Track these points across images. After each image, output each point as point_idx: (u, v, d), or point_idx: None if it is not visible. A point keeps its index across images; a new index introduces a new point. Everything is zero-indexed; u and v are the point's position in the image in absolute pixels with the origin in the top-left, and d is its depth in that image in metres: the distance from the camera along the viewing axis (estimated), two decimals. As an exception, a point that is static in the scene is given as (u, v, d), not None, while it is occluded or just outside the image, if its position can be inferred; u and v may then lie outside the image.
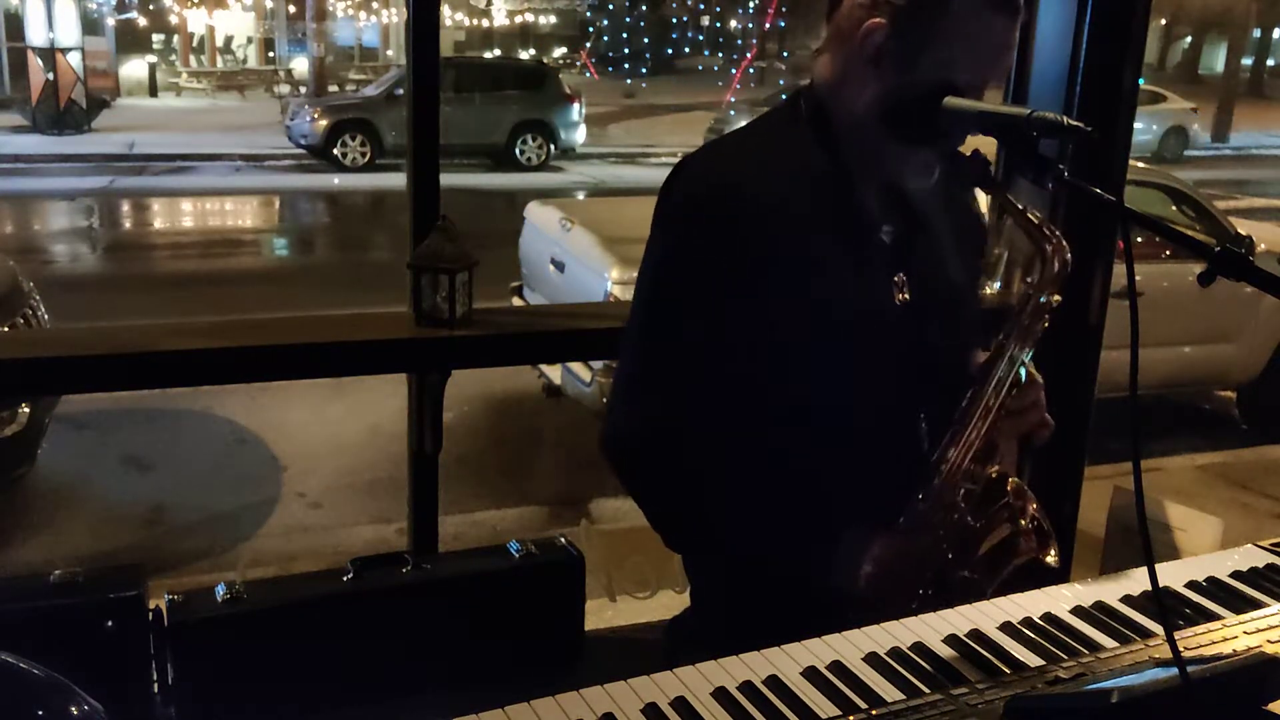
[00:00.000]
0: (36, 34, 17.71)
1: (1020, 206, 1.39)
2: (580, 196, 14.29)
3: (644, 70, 30.20)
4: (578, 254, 5.20)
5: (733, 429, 1.43)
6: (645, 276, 1.47)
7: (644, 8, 32.45)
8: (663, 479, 1.47)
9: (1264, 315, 5.65)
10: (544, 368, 5.27)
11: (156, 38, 29.47)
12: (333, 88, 23.23)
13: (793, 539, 1.44)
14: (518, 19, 34.00)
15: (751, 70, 28.26)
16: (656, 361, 1.45)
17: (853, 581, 1.40)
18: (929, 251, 1.49)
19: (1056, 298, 1.41)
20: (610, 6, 33.10)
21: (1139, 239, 5.19)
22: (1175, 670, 1.02)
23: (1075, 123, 1.19)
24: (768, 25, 31.20)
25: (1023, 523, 1.38)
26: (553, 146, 16.74)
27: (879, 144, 1.42)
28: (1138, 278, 1.21)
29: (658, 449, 1.45)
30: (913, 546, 1.41)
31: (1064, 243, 1.38)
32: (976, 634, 1.33)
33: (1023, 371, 1.45)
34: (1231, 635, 1.34)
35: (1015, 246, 2.99)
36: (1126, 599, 1.43)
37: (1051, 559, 1.39)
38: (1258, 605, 1.42)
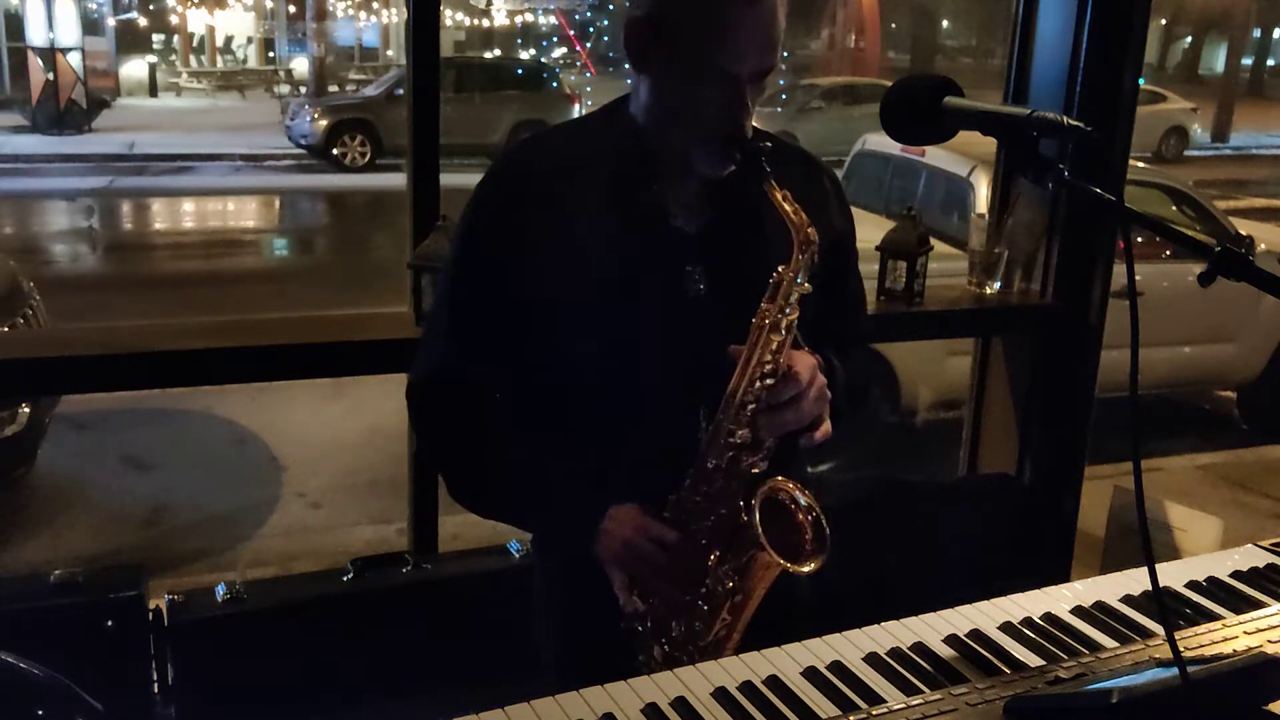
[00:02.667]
0: (36, 34, 17.71)
1: (780, 193, 1.37)
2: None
3: (643, 70, 30.11)
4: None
5: (511, 393, 1.51)
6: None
7: (643, 8, 32.40)
8: (438, 428, 1.57)
9: (1264, 315, 5.65)
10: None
11: (156, 38, 29.46)
12: (333, 88, 23.22)
13: (557, 506, 1.49)
14: (518, 19, 34.00)
15: (751, 70, 28.12)
16: (442, 320, 1.55)
17: (604, 555, 1.42)
18: (741, 246, 1.49)
19: (806, 286, 1.37)
20: (610, 6, 33.10)
21: (1139, 239, 5.19)
22: (1175, 670, 1.02)
23: (1075, 123, 1.19)
24: (768, 25, 31.04)
25: (749, 522, 1.33)
26: (553, 146, 16.72)
27: (667, 138, 1.45)
28: (1138, 278, 1.20)
29: (436, 398, 1.54)
30: (660, 531, 1.40)
31: (811, 231, 1.36)
32: (976, 634, 1.33)
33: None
34: (1231, 635, 1.34)
35: (1015, 246, 2.99)
36: (1126, 599, 1.43)
37: (803, 568, 1.33)
38: (1258, 605, 1.43)
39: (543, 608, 1.64)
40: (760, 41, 1.37)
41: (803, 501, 1.39)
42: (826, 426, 1.42)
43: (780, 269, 1.37)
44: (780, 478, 1.39)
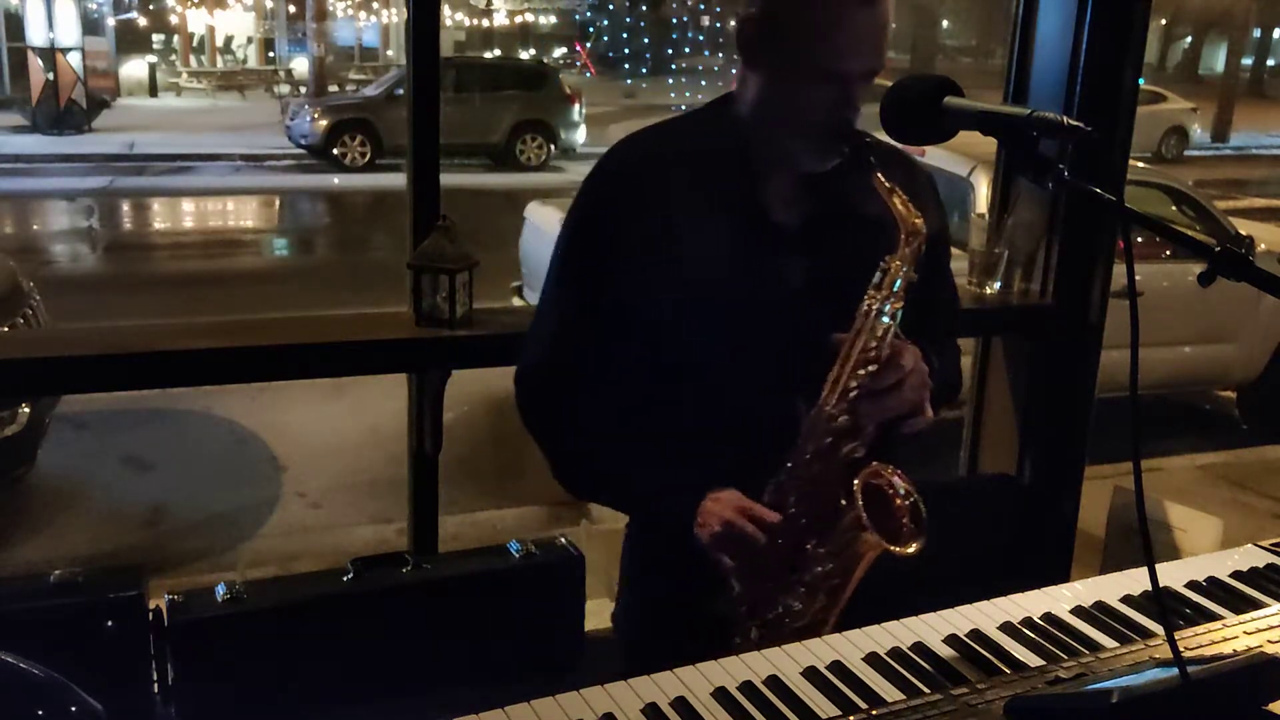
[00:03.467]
0: (36, 34, 17.71)
1: (889, 186, 1.40)
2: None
3: (644, 70, 30.19)
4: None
5: (614, 383, 1.54)
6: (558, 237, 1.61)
7: (644, 8, 32.44)
8: (544, 414, 1.61)
9: (1264, 315, 5.65)
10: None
11: (156, 38, 29.45)
12: (333, 88, 23.19)
13: (659, 490, 1.52)
14: (518, 19, 33.99)
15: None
16: (549, 313, 1.59)
17: (704, 536, 1.44)
18: (841, 240, 1.52)
19: (913, 275, 1.40)
20: (610, 6, 33.09)
21: (1139, 239, 5.19)
22: (1175, 670, 1.02)
23: (1075, 123, 1.19)
24: (768, 25, 30.99)
25: (859, 513, 1.34)
26: (553, 146, 16.72)
27: (772, 133, 1.48)
28: (1138, 278, 1.20)
29: (547, 393, 1.59)
30: (761, 512, 1.42)
31: (920, 222, 1.40)
32: (976, 634, 1.33)
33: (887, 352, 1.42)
34: (1231, 635, 1.34)
35: (1015, 246, 2.99)
36: (1126, 599, 1.43)
37: (907, 549, 1.36)
38: (1258, 605, 1.43)
39: (633, 589, 1.70)
40: (871, 43, 1.40)
41: (901, 486, 1.40)
42: (928, 413, 1.45)
43: (888, 258, 1.40)
44: (880, 463, 1.41)
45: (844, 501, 1.37)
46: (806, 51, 1.40)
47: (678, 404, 1.52)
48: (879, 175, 1.40)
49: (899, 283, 1.39)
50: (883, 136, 1.46)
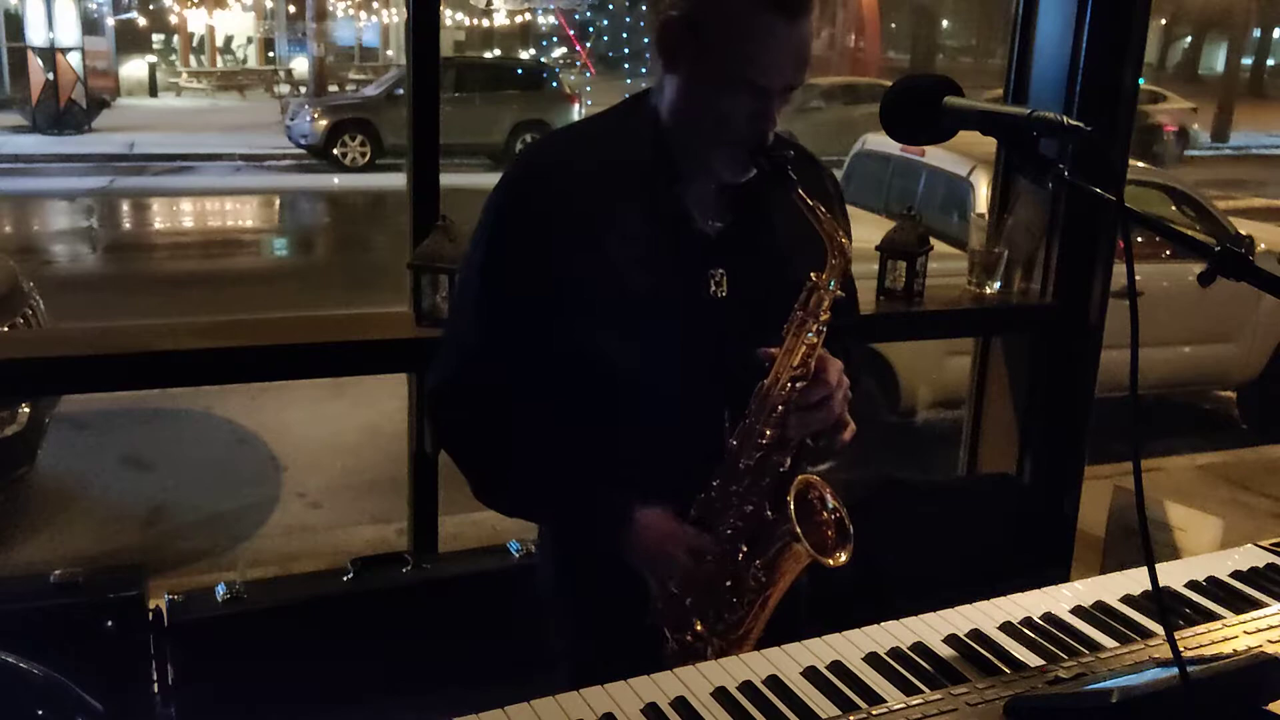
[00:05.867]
0: (36, 34, 17.71)
1: (810, 203, 1.39)
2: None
3: (644, 70, 30.18)
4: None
5: (535, 396, 1.49)
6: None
7: (644, 8, 32.45)
8: (460, 430, 1.56)
9: (1264, 315, 5.65)
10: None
11: (156, 38, 29.44)
12: (333, 88, 23.20)
13: (581, 506, 1.50)
14: (518, 19, 33.99)
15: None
16: (462, 325, 1.54)
17: (634, 559, 1.44)
18: (759, 250, 1.50)
19: (839, 291, 1.40)
20: (610, 6, 33.09)
21: (1139, 239, 5.19)
22: (1175, 670, 1.02)
23: (1075, 123, 1.19)
24: (768, 25, 30.99)
25: (792, 525, 1.34)
26: (553, 146, 16.71)
27: (690, 141, 1.45)
28: (1138, 278, 1.20)
29: (458, 401, 1.54)
30: (687, 534, 1.42)
31: (845, 240, 1.40)
32: (976, 634, 1.33)
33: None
34: (1231, 635, 1.34)
35: (1015, 246, 2.99)
36: (1126, 599, 1.43)
37: (834, 561, 1.36)
38: (1258, 605, 1.43)
39: (559, 605, 1.65)
40: (794, 59, 1.39)
41: (828, 499, 1.41)
42: (852, 426, 1.45)
43: (814, 276, 1.39)
44: (807, 474, 1.41)
45: (771, 514, 1.38)
46: (729, 61, 1.37)
47: (601, 416, 1.48)
48: (801, 192, 1.39)
49: (825, 301, 1.39)
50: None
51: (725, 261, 1.48)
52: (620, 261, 1.43)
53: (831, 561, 1.36)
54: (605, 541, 1.46)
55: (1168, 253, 5.28)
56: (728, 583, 1.41)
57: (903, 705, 1.17)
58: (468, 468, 1.56)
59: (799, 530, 1.33)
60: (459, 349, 1.54)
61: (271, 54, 31.16)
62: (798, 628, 1.36)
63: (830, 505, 1.41)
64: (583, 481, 1.50)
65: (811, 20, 1.38)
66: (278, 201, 13.71)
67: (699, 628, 1.43)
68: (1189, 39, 36.75)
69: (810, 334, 1.39)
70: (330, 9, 26.20)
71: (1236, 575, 1.51)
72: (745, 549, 1.41)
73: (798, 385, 1.39)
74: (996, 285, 2.95)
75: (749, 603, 1.40)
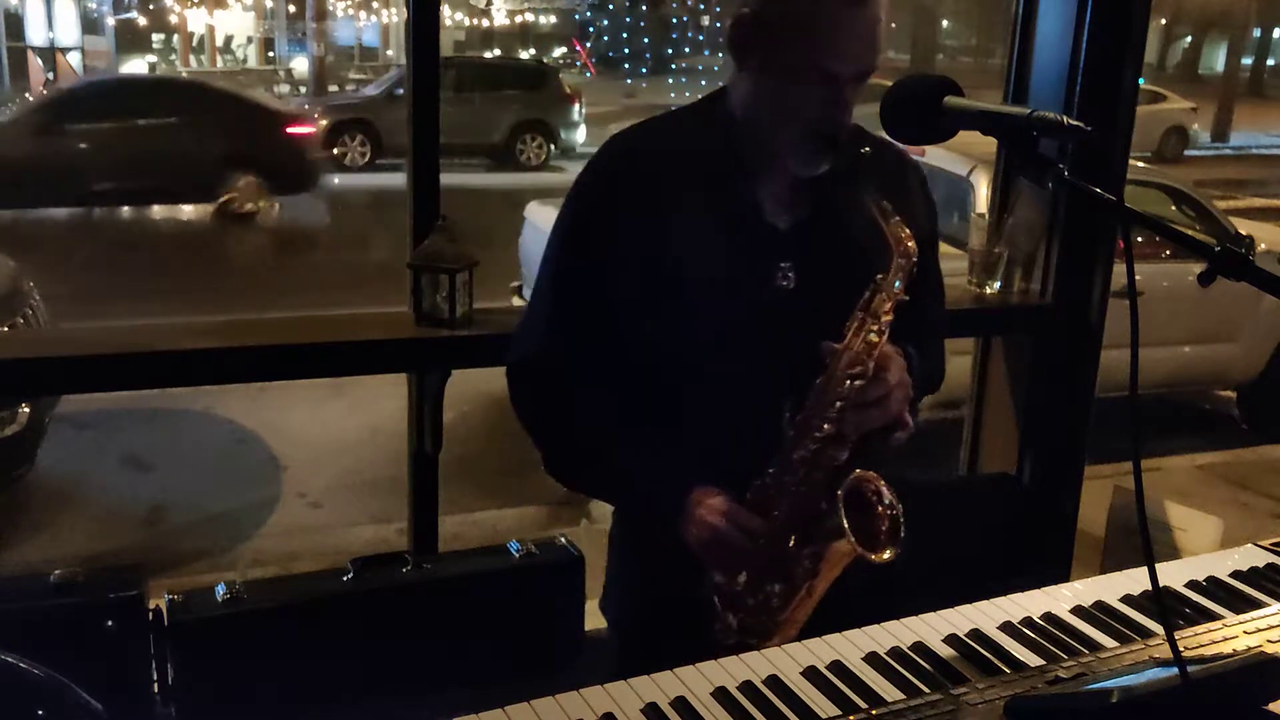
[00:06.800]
0: (36, 34, 17.75)
1: (881, 207, 1.41)
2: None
3: (644, 70, 30.18)
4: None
5: (606, 378, 1.54)
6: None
7: (644, 8, 32.44)
8: (535, 407, 1.62)
9: (1264, 315, 5.65)
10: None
11: (156, 37, 29.41)
12: (333, 87, 23.18)
13: (645, 487, 1.53)
14: (518, 19, 33.99)
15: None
16: (541, 308, 1.58)
17: (689, 536, 1.46)
18: (829, 245, 1.52)
19: (904, 295, 1.42)
20: (610, 6, 33.09)
21: (1139, 239, 5.19)
22: (1175, 670, 1.02)
23: (1075, 123, 1.19)
24: (768, 25, 30.95)
25: (840, 518, 1.36)
26: (553, 146, 16.70)
27: (763, 134, 1.48)
28: (1138, 278, 1.20)
29: (539, 387, 1.59)
30: (748, 520, 1.43)
31: (910, 243, 1.41)
32: (976, 634, 1.33)
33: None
34: (1231, 635, 1.34)
35: (1015, 246, 2.99)
36: (1126, 599, 1.43)
37: (881, 556, 1.37)
38: (1258, 605, 1.43)
39: (617, 579, 1.71)
40: (863, 43, 1.40)
41: (886, 496, 1.42)
42: (909, 423, 1.47)
43: (879, 277, 1.41)
44: (864, 470, 1.42)
45: (825, 505, 1.39)
46: (798, 51, 1.40)
47: (667, 400, 1.53)
48: (872, 197, 1.41)
49: (889, 302, 1.41)
50: (882, 136, 1.46)
51: (794, 255, 1.50)
52: (691, 249, 1.47)
53: (876, 557, 1.36)
54: (661, 519, 1.49)
55: (1168, 253, 5.27)
56: (776, 565, 1.43)
57: (903, 705, 1.18)
58: (539, 442, 1.62)
59: (845, 524, 1.34)
60: (535, 326, 1.59)
61: (271, 54, 31.15)
62: (846, 618, 1.37)
63: (887, 501, 1.42)
64: (645, 462, 1.53)
65: (881, 3, 1.39)
66: (277, 201, 13.68)
67: (750, 602, 1.44)
68: (1189, 39, 36.76)
69: (871, 333, 1.40)
70: (330, 9, 26.19)
71: (1236, 575, 1.51)
72: (796, 536, 1.42)
73: (856, 383, 1.40)
74: (996, 285, 2.95)
75: (795, 588, 1.42)
